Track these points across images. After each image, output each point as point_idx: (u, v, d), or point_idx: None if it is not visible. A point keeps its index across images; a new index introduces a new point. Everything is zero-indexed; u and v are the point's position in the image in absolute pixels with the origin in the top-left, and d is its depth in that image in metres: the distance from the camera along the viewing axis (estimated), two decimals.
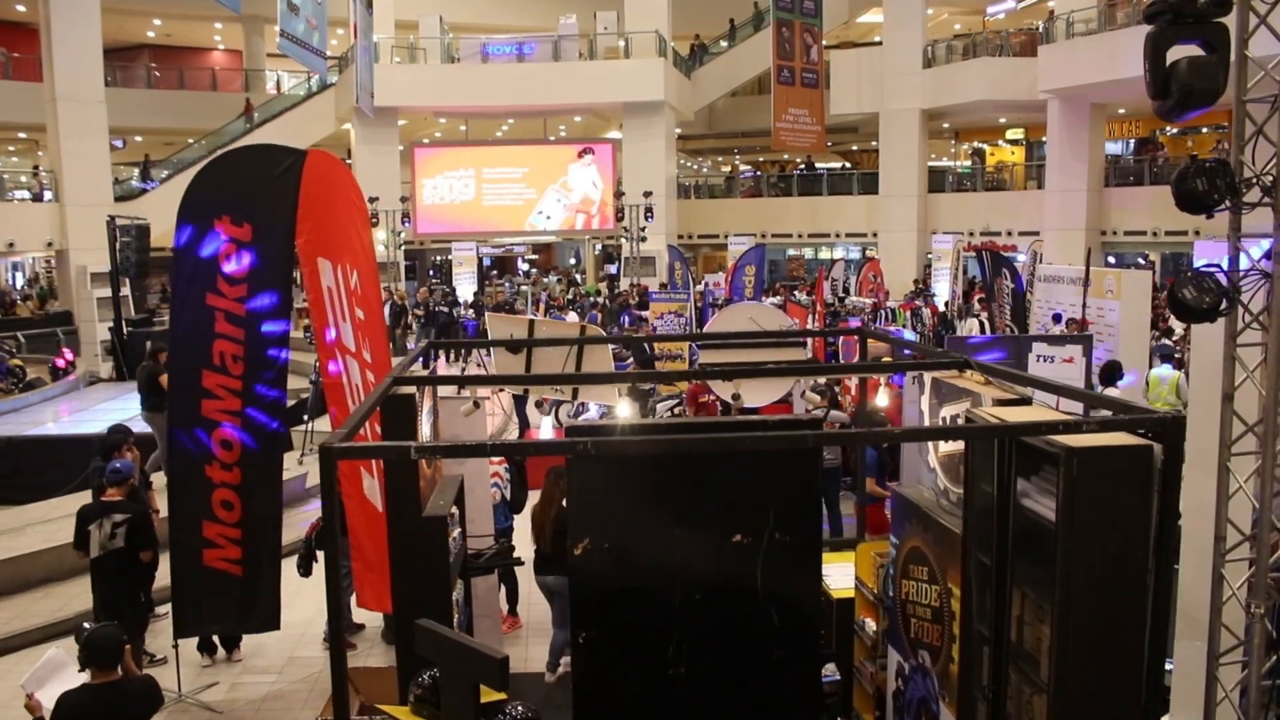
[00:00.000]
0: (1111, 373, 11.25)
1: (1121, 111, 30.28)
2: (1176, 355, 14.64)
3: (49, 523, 9.63)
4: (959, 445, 5.67)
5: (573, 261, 45.22)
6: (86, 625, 4.73)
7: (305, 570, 7.58)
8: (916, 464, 6.90)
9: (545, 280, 40.43)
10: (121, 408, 15.97)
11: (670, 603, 3.83)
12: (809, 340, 8.71)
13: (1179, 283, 4.99)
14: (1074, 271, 17.70)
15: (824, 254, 36.90)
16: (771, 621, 3.90)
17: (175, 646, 6.96)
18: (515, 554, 6.54)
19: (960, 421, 5.66)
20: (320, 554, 7.67)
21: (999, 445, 4.62)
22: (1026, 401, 5.13)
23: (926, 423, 5.96)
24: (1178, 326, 17.94)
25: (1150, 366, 16.05)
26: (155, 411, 11.18)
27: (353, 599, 7.41)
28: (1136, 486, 4.13)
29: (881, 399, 6.42)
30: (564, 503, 7.20)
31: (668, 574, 3.83)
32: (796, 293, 23.88)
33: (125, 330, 20.45)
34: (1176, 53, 5.09)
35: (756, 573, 3.89)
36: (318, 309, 7.13)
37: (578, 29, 28.31)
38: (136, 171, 27.80)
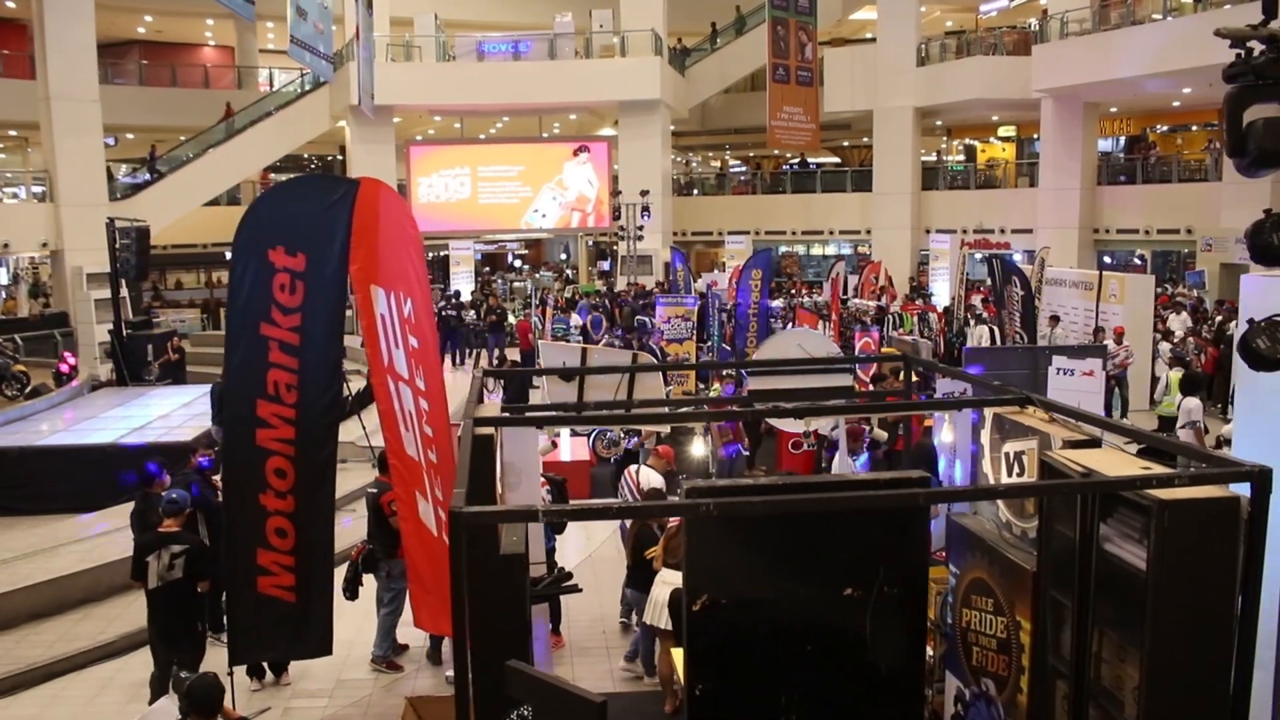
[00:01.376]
0: (1194, 383, 11.44)
1: (1113, 110, 30.49)
2: (1188, 360, 14.87)
3: (81, 541, 9.61)
4: (1024, 480, 5.78)
5: (563, 257, 45.19)
6: (185, 674, 4.75)
7: (352, 594, 7.62)
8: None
9: (538, 276, 40.41)
10: (128, 415, 15.87)
11: (783, 655, 3.91)
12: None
13: (1251, 332, 5.07)
14: (1075, 275, 17.93)
15: (815, 250, 37.03)
16: (879, 671, 3.98)
17: (230, 674, 6.96)
18: (572, 580, 6.60)
19: (1024, 457, 5.77)
20: (367, 577, 7.73)
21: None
22: (1097, 443, 5.22)
23: (987, 457, 6.04)
24: (1176, 329, 18.16)
25: (1153, 368, 16.32)
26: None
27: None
28: (1225, 538, 4.24)
29: (946, 435, 6.50)
30: (649, 522, 7.35)
31: (781, 627, 3.91)
32: (803, 295, 23.98)
33: (124, 332, 20.26)
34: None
35: (866, 624, 3.97)
36: (371, 336, 7.15)
37: (574, 27, 28.25)
38: (138, 164, 27.53)
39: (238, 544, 6.95)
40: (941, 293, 24.49)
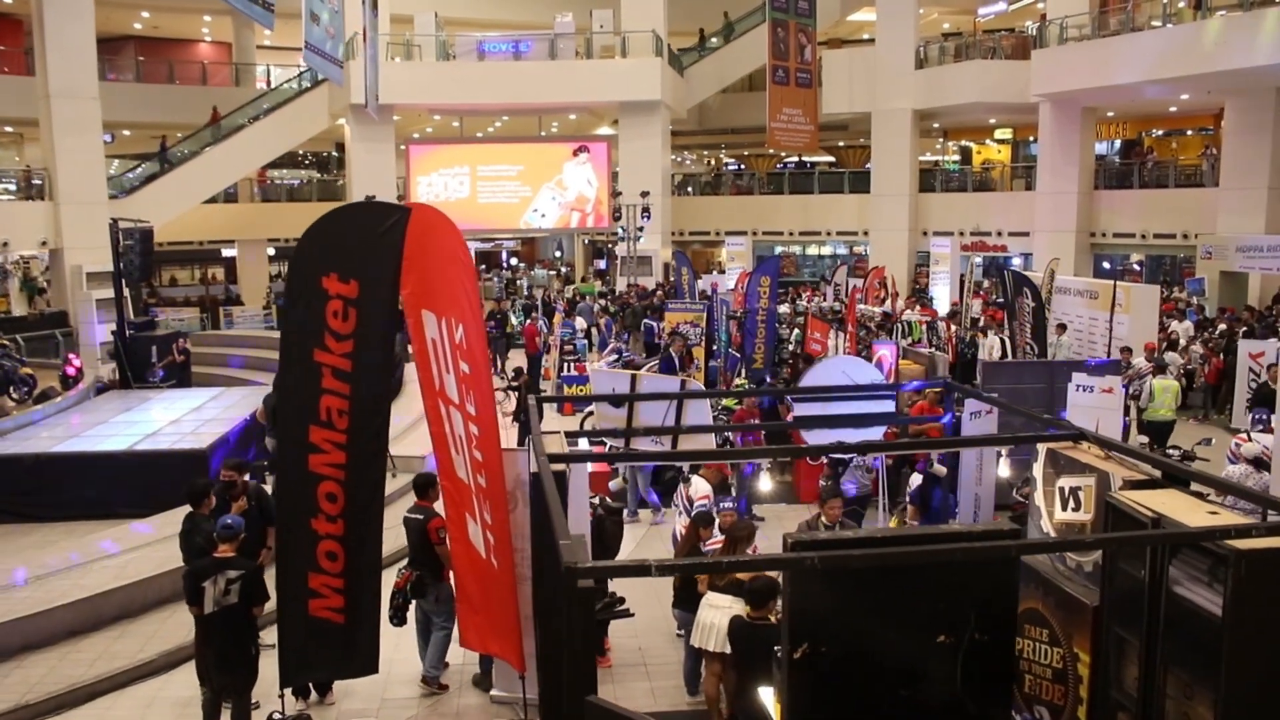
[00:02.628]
0: (1267, 399, 11.47)
1: (1110, 114, 30.70)
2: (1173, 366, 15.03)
3: (113, 557, 9.60)
4: (1079, 515, 5.88)
5: (557, 254, 45.17)
6: (278, 715, 4.79)
7: (400, 621, 7.66)
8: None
9: (533, 274, 40.39)
10: (138, 419, 15.83)
11: (879, 700, 4.00)
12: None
13: None
14: (1081, 283, 18.06)
15: (811, 250, 37.11)
16: (969, 715, 4.08)
17: (281, 696, 7.02)
18: (625, 605, 6.68)
19: (1080, 493, 5.87)
20: (415, 603, 7.77)
21: (1151, 529, 4.83)
22: (1163, 483, 5.32)
23: (1040, 490, 6.14)
24: (1181, 337, 18.30)
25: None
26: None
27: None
28: None
29: (1003, 469, 6.60)
30: (697, 543, 7.43)
31: (877, 673, 3.99)
32: (808, 300, 24.02)
33: (127, 334, 20.17)
34: None
35: (957, 670, 4.06)
36: (422, 360, 7.21)
37: (574, 27, 28.23)
38: (140, 160, 27.36)
39: (289, 567, 7.01)
40: (942, 296, 24.63)
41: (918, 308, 21.90)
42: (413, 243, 6.95)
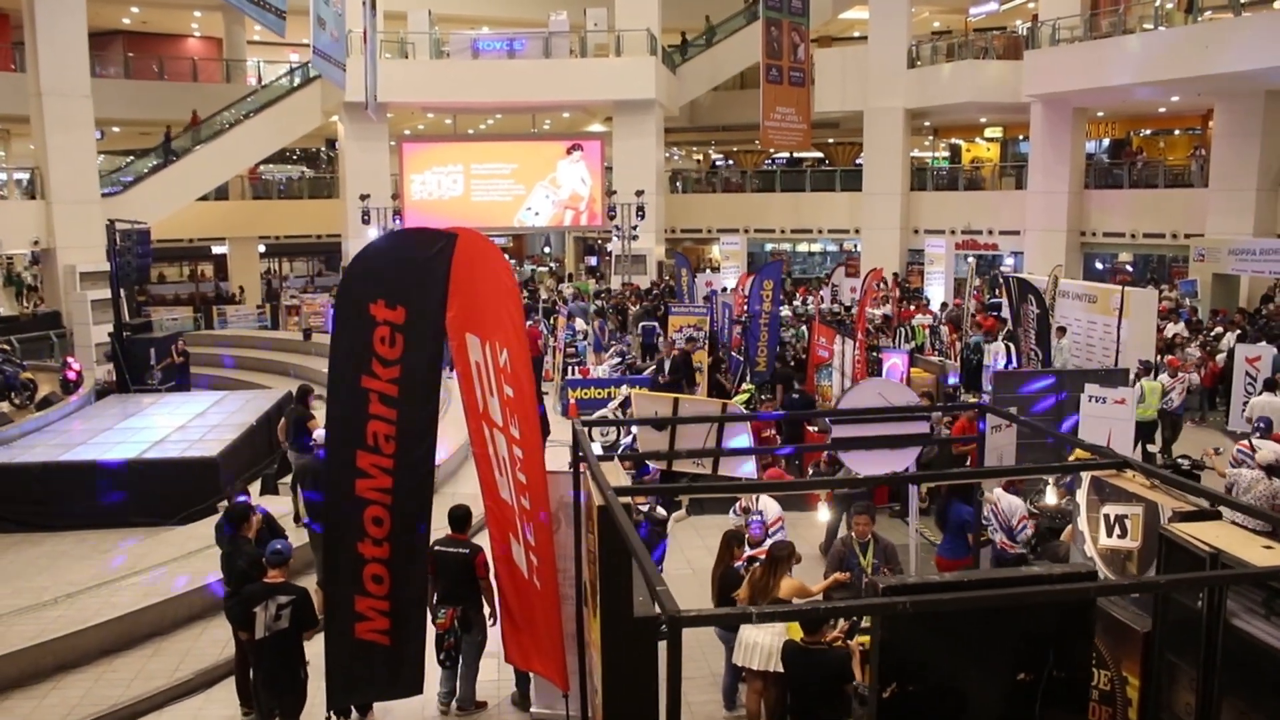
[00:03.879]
0: None
1: (1100, 114, 30.96)
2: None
3: (139, 574, 9.61)
4: (1125, 542, 6.01)
5: (545, 250, 45.17)
6: None
7: (453, 662, 7.70)
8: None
9: (522, 270, 40.34)
10: (143, 426, 15.77)
11: None
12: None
13: None
14: (1080, 287, 18.23)
15: (801, 247, 37.25)
16: None
17: (329, 717, 7.08)
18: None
19: (1126, 521, 6.00)
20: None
21: (1210, 564, 4.96)
22: (1216, 514, 5.44)
23: (1084, 516, 6.25)
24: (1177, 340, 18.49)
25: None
26: (303, 452, 11.29)
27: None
28: None
29: (1050, 497, 6.72)
30: (730, 563, 7.53)
31: (961, 710, 4.11)
32: (801, 298, 24.14)
33: (124, 335, 20.04)
34: None
35: (1036, 707, 4.18)
36: (466, 382, 7.28)
37: (569, 25, 28.22)
38: (135, 155, 27.11)
39: (337, 592, 7.06)
40: (936, 297, 24.82)
41: (914, 309, 22.09)
42: (458, 268, 7.01)
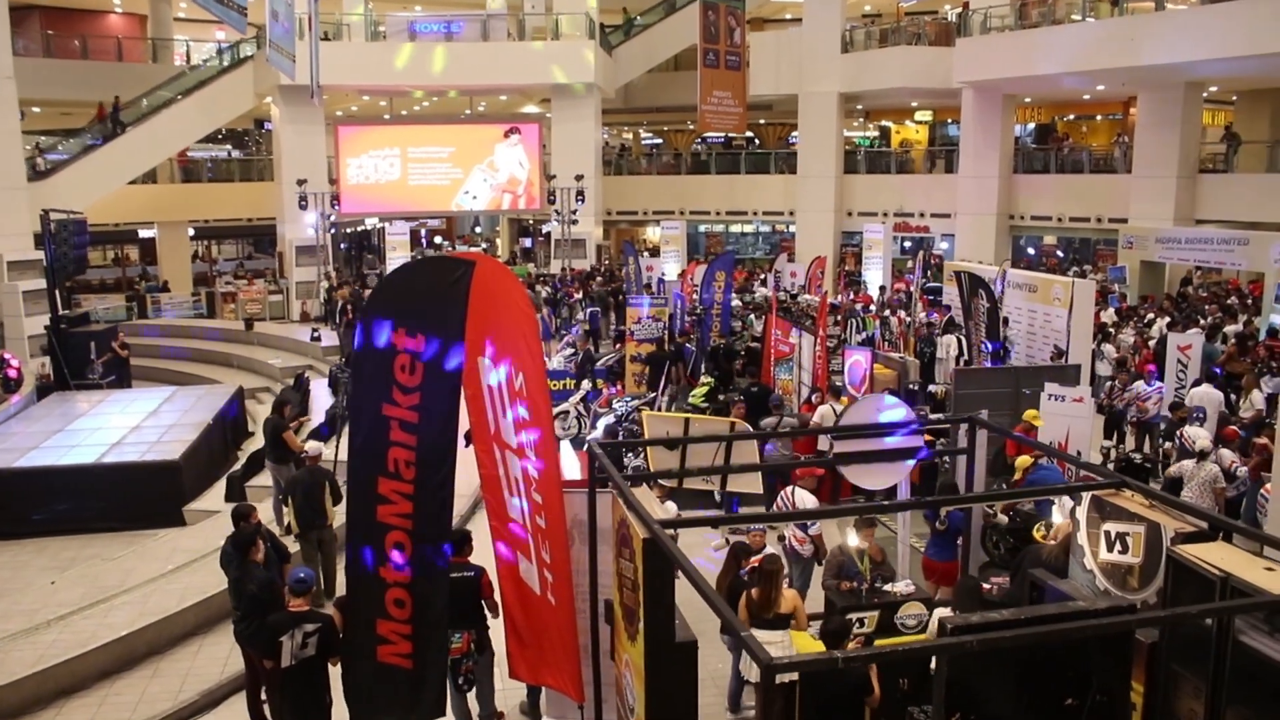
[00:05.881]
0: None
1: (1027, 100, 31.79)
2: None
3: (130, 592, 9.53)
4: (1127, 558, 6.41)
5: (476, 229, 44.88)
6: None
7: (470, 686, 7.84)
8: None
9: (460, 249, 39.99)
10: (96, 427, 15.45)
11: None
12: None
13: None
14: (1021, 276, 18.80)
15: (735, 228, 37.58)
16: None
17: None
18: None
19: (1127, 538, 6.40)
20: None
21: (1220, 588, 5.37)
22: (1214, 535, 5.85)
23: (1084, 531, 6.64)
24: (1107, 322, 19.26)
25: (1093, 368, 17.36)
26: (280, 463, 11.19)
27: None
28: None
29: (1055, 516, 7.09)
30: (739, 573, 7.77)
31: None
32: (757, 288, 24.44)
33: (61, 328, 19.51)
34: None
35: None
36: (476, 405, 7.40)
37: (506, 8, 28.00)
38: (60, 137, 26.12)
39: (358, 616, 7.15)
40: (874, 281, 25.38)
41: (854, 296, 22.55)
42: (476, 294, 7.10)
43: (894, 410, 7.68)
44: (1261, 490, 10.03)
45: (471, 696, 7.95)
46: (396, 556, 7.15)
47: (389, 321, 6.97)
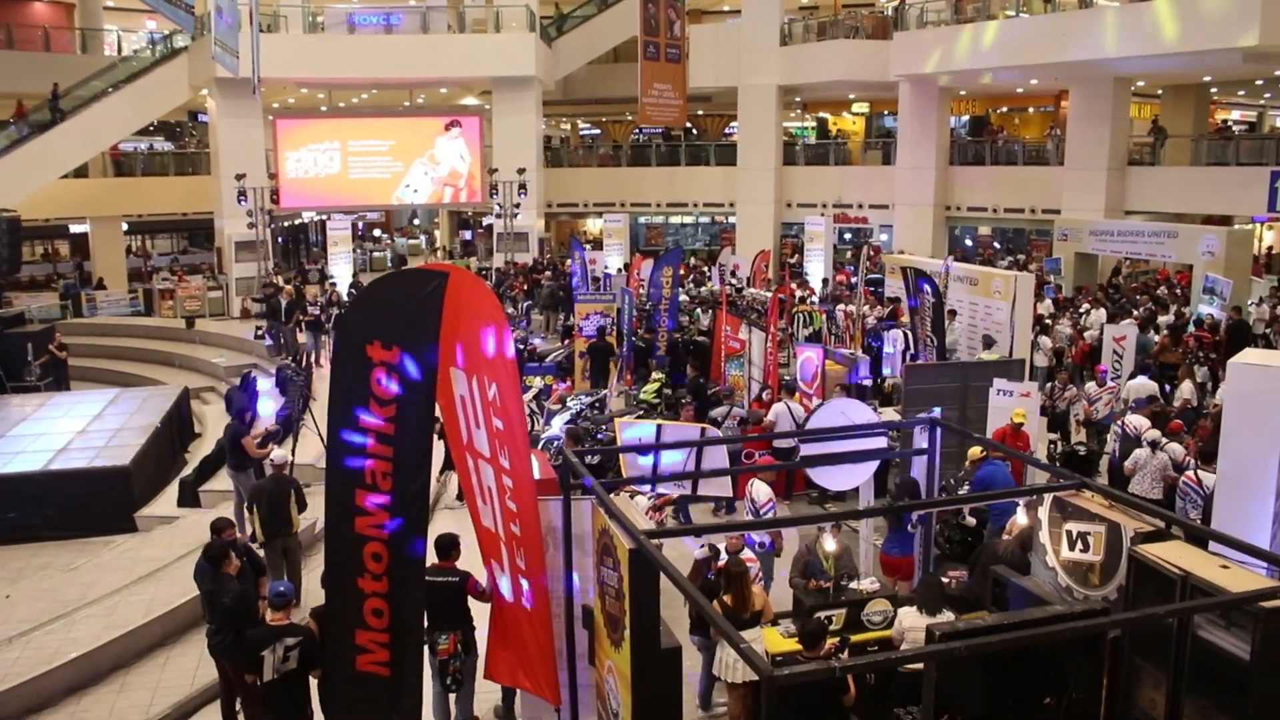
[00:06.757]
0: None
1: (962, 92, 32.39)
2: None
3: (93, 605, 9.42)
4: (1088, 556, 6.70)
5: (415, 221, 44.49)
6: None
7: (457, 686, 7.90)
8: None
9: (395, 243, 39.74)
10: (40, 432, 15.14)
11: None
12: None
13: None
14: (961, 269, 19.22)
15: (674, 219, 37.69)
16: None
17: None
18: None
19: (1089, 538, 6.68)
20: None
21: (1181, 586, 5.66)
22: (1167, 534, 6.15)
23: (1045, 529, 6.91)
24: (1044, 313, 19.76)
25: (1031, 358, 17.82)
26: (239, 470, 11.06)
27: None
28: None
29: (1021, 517, 7.35)
30: (707, 575, 7.94)
31: None
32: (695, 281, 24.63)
33: None
34: None
35: None
36: (449, 415, 7.46)
37: (446, 1, 27.79)
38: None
39: (337, 627, 7.19)
40: (816, 273, 25.73)
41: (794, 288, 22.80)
42: (449, 305, 7.16)
43: (858, 410, 7.90)
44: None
45: (452, 699, 8.01)
46: (374, 567, 7.20)
47: (365, 334, 7.01)
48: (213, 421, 17.34)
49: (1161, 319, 18.85)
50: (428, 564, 7.96)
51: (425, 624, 7.88)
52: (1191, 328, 18.02)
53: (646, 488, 8.49)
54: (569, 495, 7.37)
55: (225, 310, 25.92)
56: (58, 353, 19.07)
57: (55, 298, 26.12)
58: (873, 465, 7.95)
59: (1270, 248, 30.81)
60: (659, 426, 8.40)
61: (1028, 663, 4.75)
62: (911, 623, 6.79)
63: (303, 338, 20.26)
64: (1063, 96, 30.04)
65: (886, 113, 35.44)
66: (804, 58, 30.02)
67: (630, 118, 38.36)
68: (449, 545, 8.01)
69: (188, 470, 14.49)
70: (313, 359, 19.47)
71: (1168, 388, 14.99)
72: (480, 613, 7.82)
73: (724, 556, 7.84)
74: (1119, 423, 12.89)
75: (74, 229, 31.28)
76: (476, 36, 28.13)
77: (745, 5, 30.83)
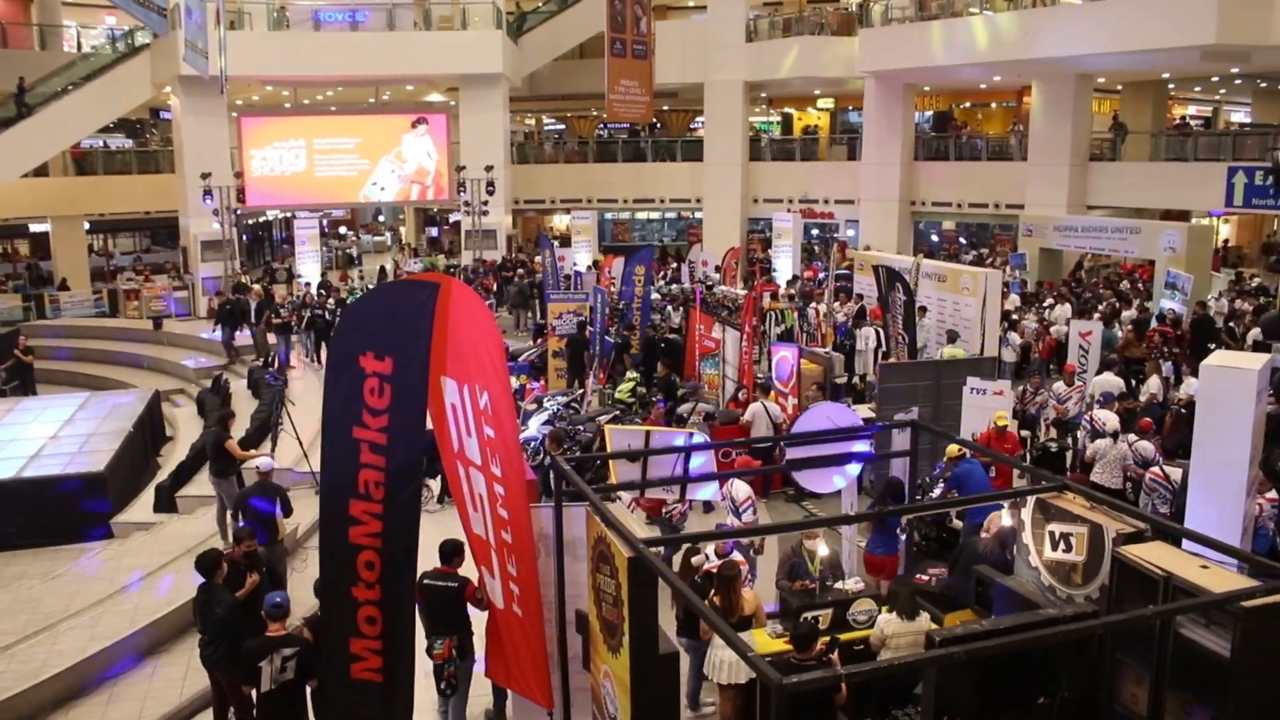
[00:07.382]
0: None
1: (926, 88, 32.70)
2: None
3: (77, 616, 9.37)
4: (1070, 556, 6.88)
5: (380, 219, 44.24)
6: None
7: (452, 690, 7.95)
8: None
9: (361, 239, 39.50)
10: (10, 438, 14.94)
11: None
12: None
13: None
14: (931, 265, 19.47)
15: (640, 215, 37.77)
16: None
17: None
18: None
19: (1071, 539, 6.86)
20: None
21: (1164, 587, 5.84)
22: (1147, 535, 6.34)
23: (1029, 530, 7.09)
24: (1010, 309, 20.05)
25: (1000, 354, 18.09)
26: (221, 477, 10.99)
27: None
28: None
29: (1006, 519, 7.52)
30: (694, 579, 8.05)
31: None
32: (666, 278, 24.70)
33: None
34: None
35: None
36: (440, 423, 7.53)
37: None
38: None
39: (332, 636, 7.24)
40: (784, 269, 25.93)
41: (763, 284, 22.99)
42: (440, 315, 7.22)
43: (842, 414, 8.04)
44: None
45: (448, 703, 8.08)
46: (367, 575, 7.25)
47: (359, 346, 7.06)
48: (184, 425, 17.22)
49: (1125, 314, 19.19)
50: (430, 568, 8.08)
51: (427, 628, 7.96)
52: (1154, 323, 18.36)
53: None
54: (560, 502, 7.44)
55: (191, 310, 25.68)
56: (23, 356, 18.85)
57: (17, 299, 25.67)
58: (857, 468, 8.09)
59: (1227, 241, 31.44)
60: (646, 433, 8.52)
61: (1021, 664, 4.91)
62: (894, 629, 6.89)
63: (272, 338, 20.12)
64: (1025, 92, 30.44)
65: (851, 108, 35.72)
66: (770, 54, 30.21)
67: (596, 113, 38.39)
68: (452, 551, 8.06)
69: (163, 475, 14.38)
70: (284, 361, 19.34)
71: (1134, 382, 15.27)
72: (479, 616, 7.85)
73: (712, 559, 7.95)
74: (1086, 418, 13.15)
75: (34, 228, 30.80)
76: (443, 33, 28.01)
77: (711, 1, 30.96)
